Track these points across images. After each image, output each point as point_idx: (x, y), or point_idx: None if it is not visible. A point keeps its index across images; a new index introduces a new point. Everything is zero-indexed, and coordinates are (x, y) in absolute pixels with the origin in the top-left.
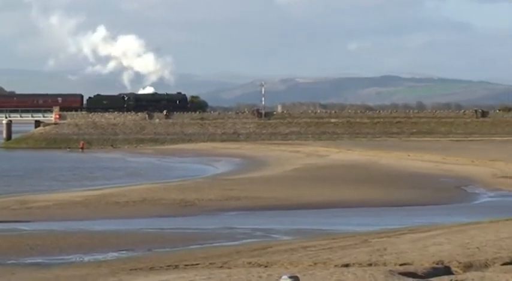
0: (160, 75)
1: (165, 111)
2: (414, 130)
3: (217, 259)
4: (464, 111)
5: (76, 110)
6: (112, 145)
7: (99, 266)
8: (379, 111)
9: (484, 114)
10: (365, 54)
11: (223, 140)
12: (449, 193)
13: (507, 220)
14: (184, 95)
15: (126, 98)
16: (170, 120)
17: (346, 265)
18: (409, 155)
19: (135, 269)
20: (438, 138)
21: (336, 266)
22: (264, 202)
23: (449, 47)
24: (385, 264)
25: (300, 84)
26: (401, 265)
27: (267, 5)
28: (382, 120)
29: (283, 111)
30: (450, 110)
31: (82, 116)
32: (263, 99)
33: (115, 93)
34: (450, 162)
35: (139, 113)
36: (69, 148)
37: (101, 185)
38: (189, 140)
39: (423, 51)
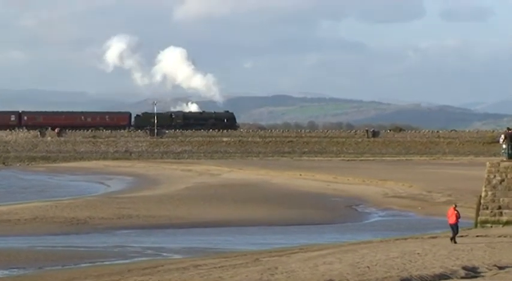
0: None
1: (56, 129)
2: (306, 150)
3: (108, 277)
4: (355, 131)
5: (124, 128)
6: (4, 163)
7: None
8: (271, 130)
9: (375, 134)
10: (258, 73)
11: (115, 159)
12: (341, 212)
13: (397, 239)
14: (232, 113)
15: (174, 116)
16: (62, 138)
17: None
18: (300, 175)
19: None
20: (330, 158)
21: None
22: (156, 221)
23: (342, 67)
24: None
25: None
26: None
27: (164, 21)
28: (274, 139)
29: (176, 130)
30: (341, 130)
31: None
32: (155, 117)
33: None
34: (341, 181)
35: (31, 131)
36: None
37: None
38: (81, 158)
39: (316, 71)
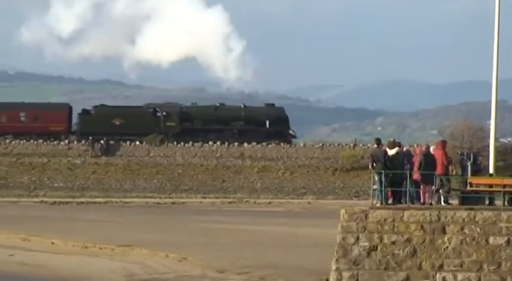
0: None
1: None
2: None
3: None
4: (68, 142)
5: (60, 138)
6: None
7: None
8: None
9: (109, 147)
10: None
11: None
12: None
13: None
14: (282, 109)
15: (161, 115)
16: None
17: None
18: None
19: None
20: (15, 198)
21: None
22: None
23: None
24: None
25: None
26: None
27: None
28: None
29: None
30: (42, 140)
31: None
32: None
33: None
34: (39, 247)
35: None
36: None
37: None
38: None
39: None
